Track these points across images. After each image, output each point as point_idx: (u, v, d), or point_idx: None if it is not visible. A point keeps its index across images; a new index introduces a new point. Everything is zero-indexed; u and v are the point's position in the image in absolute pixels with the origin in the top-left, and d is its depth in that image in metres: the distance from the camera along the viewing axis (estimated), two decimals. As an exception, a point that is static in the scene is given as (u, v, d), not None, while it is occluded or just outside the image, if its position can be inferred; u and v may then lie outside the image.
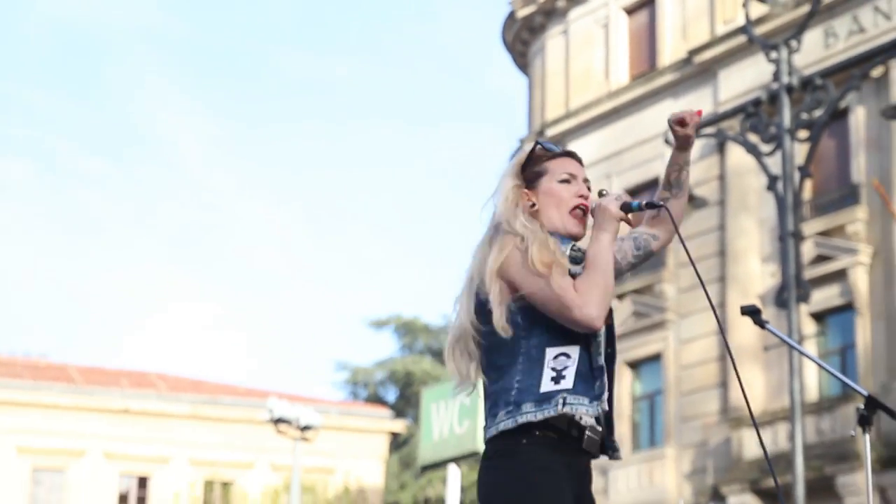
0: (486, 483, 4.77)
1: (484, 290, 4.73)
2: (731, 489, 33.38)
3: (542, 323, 4.73)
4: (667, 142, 4.42)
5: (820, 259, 33.03)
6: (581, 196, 4.86)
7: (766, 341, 33.57)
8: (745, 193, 35.00)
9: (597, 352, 4.79)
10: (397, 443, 57.65)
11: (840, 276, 33.52)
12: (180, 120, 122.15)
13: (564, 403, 4.61)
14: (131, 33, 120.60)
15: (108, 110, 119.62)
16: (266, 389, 52.39)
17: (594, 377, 4.74)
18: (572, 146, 38.95)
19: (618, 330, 5.26)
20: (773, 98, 17.66)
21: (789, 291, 16.68)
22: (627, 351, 35.71)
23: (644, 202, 4.81)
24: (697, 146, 26.50)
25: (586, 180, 4.99)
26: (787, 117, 16.96)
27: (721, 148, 32.14)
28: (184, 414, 58.29)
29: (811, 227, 31.28)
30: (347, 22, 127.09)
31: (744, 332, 33.54)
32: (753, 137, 18.01)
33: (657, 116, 31.92)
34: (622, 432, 33.51)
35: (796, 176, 17.22)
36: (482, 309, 4.74)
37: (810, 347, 28.68)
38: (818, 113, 17.26)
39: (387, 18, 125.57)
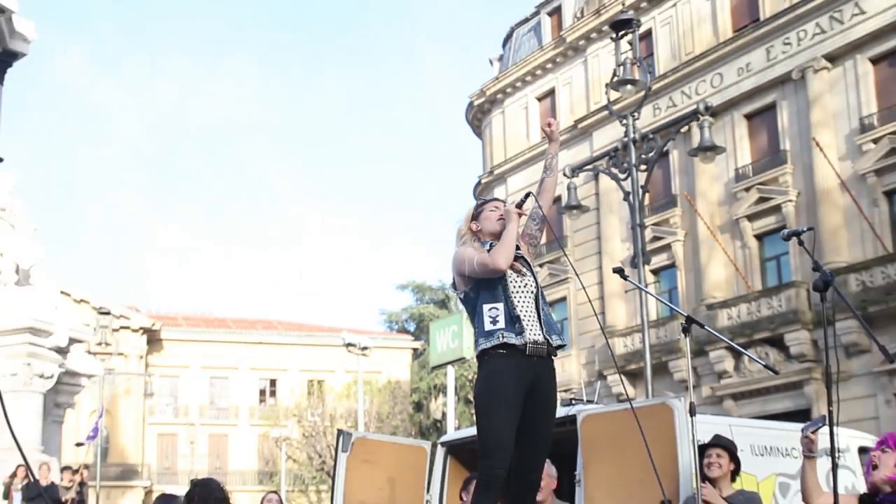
0: (476, 379, 5.43)
1: (455, 276, 5.44)
2: (608, 372, 33.49)
3: (481, 289, 5.25)
4: (544, 134, 4.78)
5: (655, 239, 33.32)
6: (500, 215, 5.39)
7: (626, 287, 32.87)
8: (610, 202, 35.40)
9: (513, 305, 5.22)
10: (416, 354, 58.30)
11: (667, 248, 34.37)
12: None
13: (502, 336, 5.10)
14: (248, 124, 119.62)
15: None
16: (339, 326, 52.19)
17: (515, 321, 5.16)
18: (509, 179, 40.44)
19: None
20: (625, 146, 17.17)
21: (638, 258, 16.28)
22: (546, 297, 36.16)
23: (526, 196, 5.36)
24: (583, 176, 27.47)
25: (504, 202, 5.57)
26: (633, 157, 16.82)
27: (596, 177, 31.78)
28: (293, 343, 59.44)
29: (649, 220, 30.99)
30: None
31: (614, 283, 34.17)
32: (614, 170, 17.62)
33: (563, 160, 32.41)
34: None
35: (640, 192, 17.06)
36: (455, 287, 5.51)
37: (651, 290, 29.73)
38: (651, 154, 17.14)
39: (397, 125, 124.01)
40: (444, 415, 39.68)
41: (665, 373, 30.84)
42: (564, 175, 20.68)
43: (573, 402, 11.01)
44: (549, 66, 40.66)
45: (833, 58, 30.66)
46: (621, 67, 17.22)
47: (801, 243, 6.44)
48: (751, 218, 32.22)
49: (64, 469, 16.74)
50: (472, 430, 7.44)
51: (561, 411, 8.66)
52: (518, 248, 5.29)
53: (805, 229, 6.46)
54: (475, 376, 6.30)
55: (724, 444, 7.33)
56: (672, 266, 34.56)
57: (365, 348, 38.13)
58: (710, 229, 32.39)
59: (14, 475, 15.90)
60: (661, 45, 35.84)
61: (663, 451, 8.04)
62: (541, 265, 37.22)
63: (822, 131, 30.11)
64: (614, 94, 19.04)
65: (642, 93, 18.31)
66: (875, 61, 29.85)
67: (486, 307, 5.14)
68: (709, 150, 17.81)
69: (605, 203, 36.26)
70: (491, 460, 5.07)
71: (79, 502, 15.75)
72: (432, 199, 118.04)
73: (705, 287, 32.75)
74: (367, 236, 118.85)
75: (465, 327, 18.88)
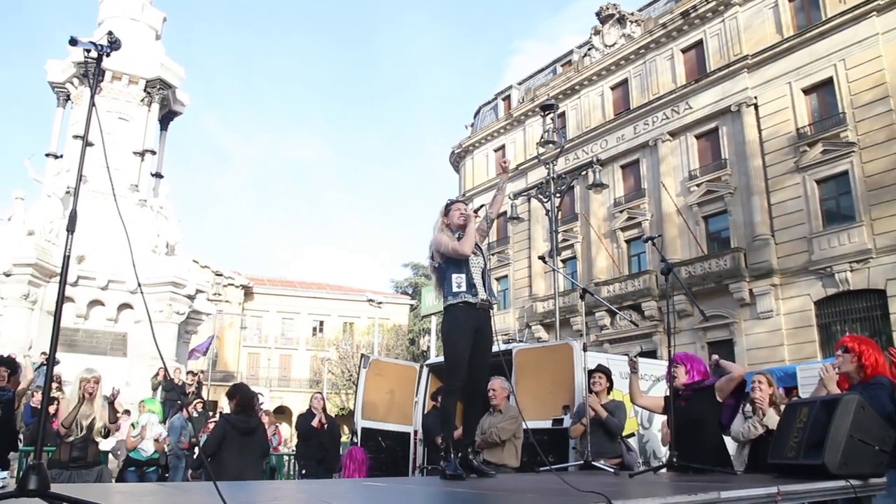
0: (442, 323, 5.20)
1: (434, 252, 5.13)
2: (532, 323, 33.52)
3: (450, 263, 5.04)
4: (500, 168, 4.55)
5: (564, 240, 32.87)
6: (463, 213, 5.15)
7: (545, 269, 33.65)
8: (537, 216, 34.93)
9: (471, 276, 5.01)
10: (412, 308, 57.25)
11: (571, 246, 33.72)
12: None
13: (464, 296, 4.93)
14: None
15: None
16: (364, 288, 51.75)
17: (472, 286, 4.97)
18: (475, 199, 40.00)
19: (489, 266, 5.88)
20: (548, 182, 16.98)
21: (553, 252, 16.11)
22: (494, 273, 35.40)
23: (480, 207, 5.62)
24: (521, 199, 27.42)
25: (465, 204, 5.31)
26: (552, 189, 16.75)
27: (529, 200, 30.95)
28: (335, 298, 58.39)
29: (561, 229, 30.08)
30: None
31: (537, 266, 34.23)
32: (540, 196, 17.30)
33: (509, 189, 32.50)
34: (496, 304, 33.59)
35: (555, 210, 16.88)
36: (432, 259, 5.16)
37: (561, 272, 29.97)
38: (563, 188, 17.21)
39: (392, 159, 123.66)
40: (428, 348, 39.59)
41: (568, 325, 30.55)
42: (509, 198, 20.97)
43: (510, 341, 11.11)
44: (502, 131, 40.37)
45: (674, 133, 30.68)
46: (546, 133, 17.28)
47: (653, 245, 6.51)
48: (623, 230, 32.11)
49: (188, 372, 16.68)
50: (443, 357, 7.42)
51: (502, 347, 8.71)
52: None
53: (656, 236, 6.57)
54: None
55: (603, 370, 7.39)
56: (574, 258, 34.28)
57: (380, 303, 38.20)
58: (598, 236, 32.24)
59: (157, 375, 15.85)
60: (571, 121, 35.63)
61: (565, 374, 8.11)
62: (493, 254, 37.32)
63: (666, 178, 30.14)
64: (541, 150, 18.95)
65: (558, 150, 18.33)
66: (698, 137, 29.96)
67: (454, 276, 4.97)
68: (598, 186, 17.93)
69: (534, 217, 35.94)
70: (453, 376, 5.00)
71: (197, 394, 15.66)
72: (428, 210, 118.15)
73: (594, 271, 32.52)
74: (387, 233, 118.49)
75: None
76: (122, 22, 20.00)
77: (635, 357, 6.38)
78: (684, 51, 31.22)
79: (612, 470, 5.94)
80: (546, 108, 17.44)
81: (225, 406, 9.19)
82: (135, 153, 19.58)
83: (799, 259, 25.40)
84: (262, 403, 10.57)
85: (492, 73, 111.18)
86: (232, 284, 54.73)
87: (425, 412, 9.62)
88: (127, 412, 12.39)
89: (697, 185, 29.18)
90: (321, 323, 58.22)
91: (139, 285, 16.50)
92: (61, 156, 19.71)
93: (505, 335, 18.37)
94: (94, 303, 17.35)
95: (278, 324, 57.12)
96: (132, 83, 19.89)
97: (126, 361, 16.93)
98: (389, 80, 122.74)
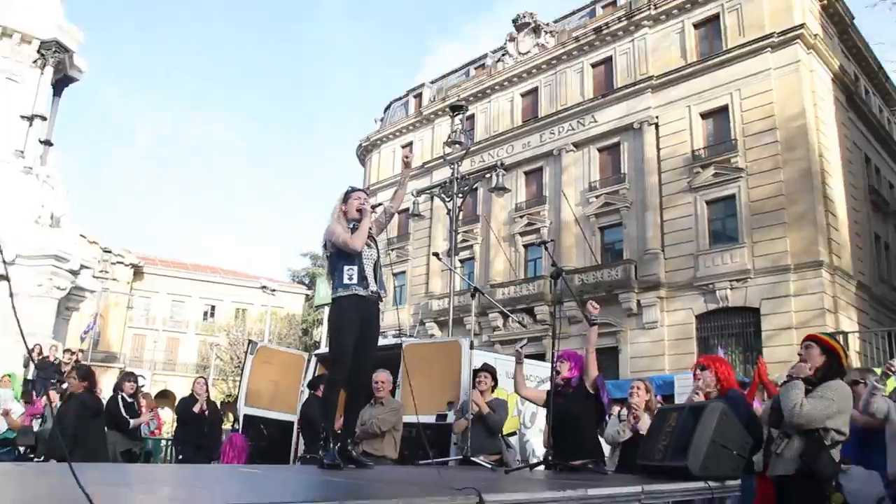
0: (330, 313, 5.15)
1: (327, 241, 5.08)
2: (426, 320, 33.67)
3: (340, 255, 5.00)
4: (404, 163, 4.54)
5: (464, 240, 33.09)
6: (361, 204, 5.11)
7: (443, 267, 33.42)
8: (439, 215, 34.96)
9: (363, 268, 4.98)
10: (307, 299, 56.14)
11: (470, 247, 33.94)
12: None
13: (354, 288, 4.91)
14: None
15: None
16: (259, 275, 51.01)
17: (363, 279, 4.95)
18: (379, 194, 39.68)
19: (383, 261, 5.49)
20: (451, 182, 16.98)
21: (452, 251, 16.02)
22: (393, 268, 34.73)
23: (380, 203, 5.17)
24: (424, 196, 27.41)
25: (365, 192, 5.31)
26: (455, 189, 16.74)
27: (432, 198, 31.07)
28: (228, 283, 56.64)
29: (461, 229, 31.43)
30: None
31: (435, 264, 33.94)
32: (443, 195, 17.44)
33: (413, 186, 32.09)
34: (392, 299, 33.39)
35: (457, 210, 16.76)
36: (325, 248, 5.12)
37: (458, 271, 29.81)
38: (466, 188, 17.15)
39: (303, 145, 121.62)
40: (321, 338, 39.14)
41: (462, 324, 30.27)
42: (412, 195, 20.97)
43: (401, 336, 11.11)
44: (411, 128, 40.31)
45: (577, 144, 31.27)
46: (454, 134, 17.27)
47: (546, 249, 6.67)
48: (522, 234, 32.51)
49: (66, 350, 15.97)
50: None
51: (393, 341, 8.68)
52: (370, 230, 5.13)
53: (549, 241, 6.73)
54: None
55: (488, 369, 7.47)
56: (472, 259, 34.51)
57: (273, 290, 37.65)
58: (497, 238, 32.52)
59: (31, 350, 15.08)
60: (480, 124, 35.88)
61: (453, 370, 8.15)
62: (392, 249, 37.24)
63: (567, 188, 30.65)
64: (448, 150, 19.01)
65: (465, 151, 18.39)
66: (600, 150, 30.64)
67: (345, 267, 4.94)
68: (500, 190, 18.00)
69: (435, 215, 36.00)
70: (337, 366, 4.97)
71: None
72: (331, 201, 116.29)
73: (491, 273, 32.84)
74: (287, 220, 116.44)
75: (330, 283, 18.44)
76: (18, -25, 18.91)
77: (521, 346, 6.47)
78: (594, 65, 31.95)
79: (489, 466, 6.01)
80: (456, 108, 17.44)
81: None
82: (23, 117, 18.52)
83: (685, 274, 26.43)
84: (142, 386, 10.17)
85: (406, 70, 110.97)
86: (121, 262, 52.47)
87: (305, 400, 9.49)
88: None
89: (596, 197, 29.88)
90: (213, 308, 56.60)
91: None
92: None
93: (397, 330, 18.28)
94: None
95: (168, 306, 55.19)
96: (24, 42, 18.82)
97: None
98: (305, 69, 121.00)
